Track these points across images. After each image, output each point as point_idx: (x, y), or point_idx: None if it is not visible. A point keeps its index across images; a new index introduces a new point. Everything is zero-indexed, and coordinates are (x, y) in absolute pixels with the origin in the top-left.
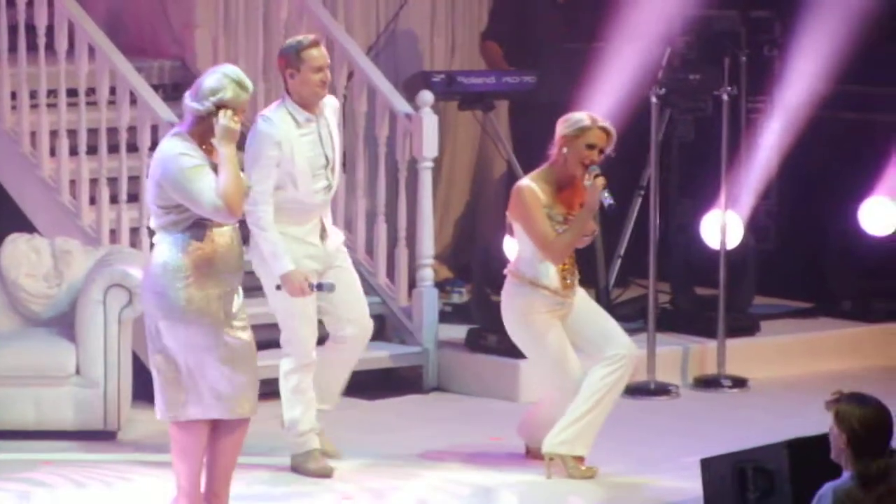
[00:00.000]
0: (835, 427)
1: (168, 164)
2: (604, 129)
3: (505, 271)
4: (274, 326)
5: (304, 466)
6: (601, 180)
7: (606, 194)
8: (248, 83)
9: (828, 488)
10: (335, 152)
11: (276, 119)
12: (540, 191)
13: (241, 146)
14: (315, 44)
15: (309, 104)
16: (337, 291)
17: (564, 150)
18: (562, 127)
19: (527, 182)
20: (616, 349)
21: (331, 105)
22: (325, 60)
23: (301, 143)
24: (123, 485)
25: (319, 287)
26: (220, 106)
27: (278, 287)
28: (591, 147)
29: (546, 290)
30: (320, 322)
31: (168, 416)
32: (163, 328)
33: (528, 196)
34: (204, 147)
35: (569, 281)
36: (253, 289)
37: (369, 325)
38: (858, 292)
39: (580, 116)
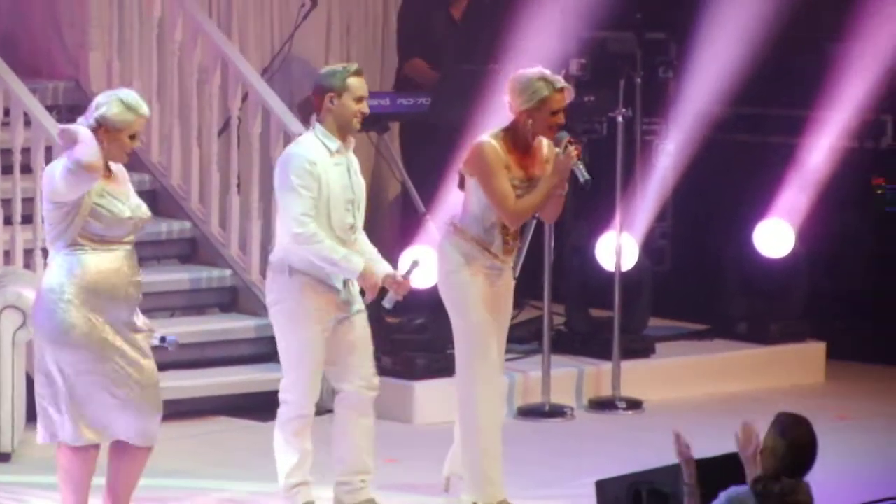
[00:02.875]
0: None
1: (46, 171)
2: (562, 91)
3: (447, 223)
4: (193, 346)
5: None
6: (575, 151)
7: (582, 168)
8: (141, 107)
9: (723, 496)
10: (361, 192)
11: (307, 142)
12: (501, 150)
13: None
14: (359, 73)
15: (344, 132)
16: (347, 342)
17: (529, 122)
18: (519, 100)
19: (488, 138)
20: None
21: (354, 158)
22: (366, 92)
23: (335, 170)
24: None
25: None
26: (100, 122)
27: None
28: (555, 113)
29: (487, 251)
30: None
31: (47, 439)
32: (48, 350)
33: (490, 153)
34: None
35: (510, 245)
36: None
37: (375, 383)
38: (754, 314)
39: (536, 86)
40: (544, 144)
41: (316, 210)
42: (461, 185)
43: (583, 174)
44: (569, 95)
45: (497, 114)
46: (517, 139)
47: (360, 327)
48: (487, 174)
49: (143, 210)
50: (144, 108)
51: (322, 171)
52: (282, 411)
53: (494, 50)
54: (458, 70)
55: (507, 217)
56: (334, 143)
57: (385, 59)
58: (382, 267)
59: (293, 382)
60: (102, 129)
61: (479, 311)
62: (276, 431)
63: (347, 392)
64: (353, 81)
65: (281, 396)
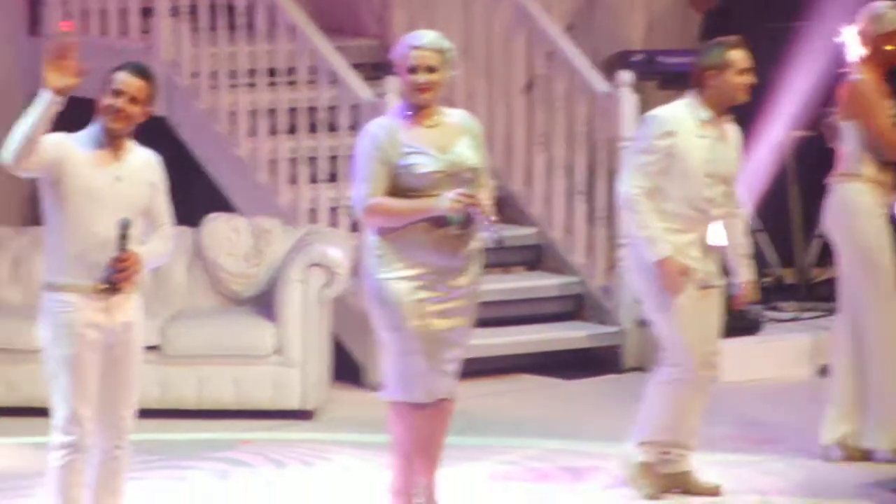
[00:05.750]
0: None
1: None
2: None
3: (830, 178)
4: (498, 304)
5: (636, 481)
6: None
7: None
8: (426, 39)
9: None
10: (729, 168)
11: (673, 110)
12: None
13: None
14: (740, 44)
15: (723, 107)
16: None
17: (888, 47)
18: (874, 26)
19: (860, 76)
20: None
21: (733, 131)
22: (749, 63)
23: (697, 142)
24: (323, 464)
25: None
26: (404, 69)
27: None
28: None
29: (877, 183)
30: None
31: (383, 394)
32: (371, 307)
33: (868, 88)
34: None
35: None
36: None
37: (714, 361)
38: None
39: (891, 15)
40: None
41: (666, 177)
42: (831, 135)
43: None
44: None
45: (805, 70)
46: (877, 70)
47: (714, 303)
48: (868, 109)
49: (458, 161)
50: (422, 41)
51: (682, 141)
52: (665, 371)
53: (801, 6)
54: (763, 28)
55: (889, 148)
56: (705, 113)
57: (688, 14)
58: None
59: (676, 346)
60: None
61: (884, 258)
62: (655, 388)
63: None
64: (734, 55)
65: (666, 360)
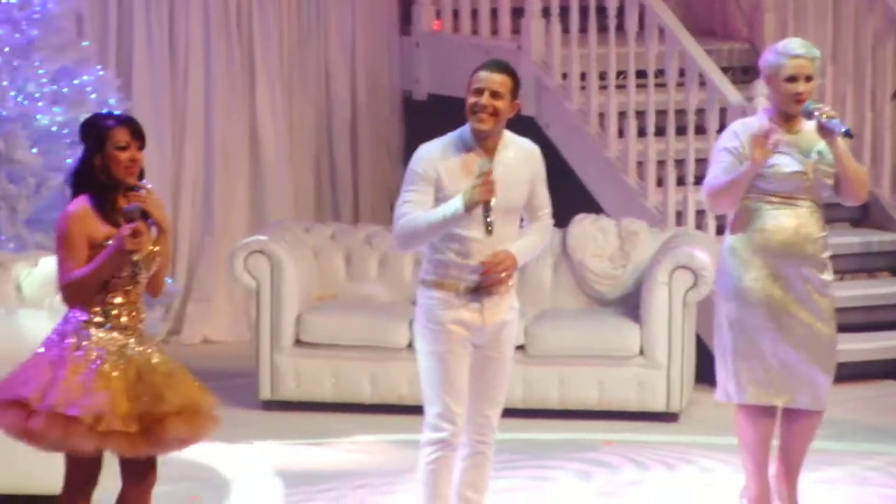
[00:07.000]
0: None
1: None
2: None
3: None
4: (863, 309)
5: None
6: None
7: None
8: (790, 50)
9: None
10: None
11: None
12: None
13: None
14: None
15: None
16: None
17: None
18: None
19: None
20: None
21: None
22: None
23: None
24: (686, 467)
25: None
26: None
27: None
28: None
29: None
30: None
31: (720, 396)
32: (721, 305)
33: None
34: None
35: None
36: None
37: None
38: None
39: None
40: None
41: None
42: None
43: None
44: None
45: None
46: None
47: None
48: None
49: (819, 163)
50: (799, 50)
51: None
52: None
53: None
54: None
55: None
56: None
57: None
58: None
59: None
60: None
61: None
62: None
63: None
64: None
65: None
